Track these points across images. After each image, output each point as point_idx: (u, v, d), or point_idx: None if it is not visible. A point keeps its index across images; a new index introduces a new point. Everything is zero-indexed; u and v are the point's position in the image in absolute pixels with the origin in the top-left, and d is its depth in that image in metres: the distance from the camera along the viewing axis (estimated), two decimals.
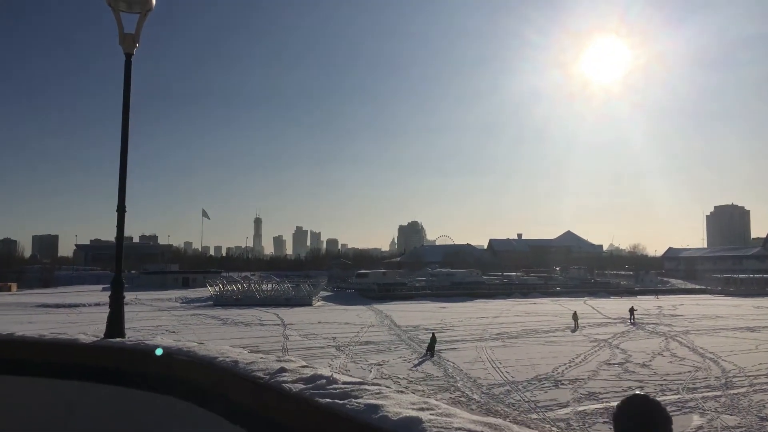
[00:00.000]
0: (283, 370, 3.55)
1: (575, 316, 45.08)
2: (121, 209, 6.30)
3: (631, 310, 49.30)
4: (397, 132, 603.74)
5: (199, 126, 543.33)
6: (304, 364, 3.76)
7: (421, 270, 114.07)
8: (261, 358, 3.96)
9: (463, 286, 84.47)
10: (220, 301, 66.87)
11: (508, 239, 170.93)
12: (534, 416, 19.06)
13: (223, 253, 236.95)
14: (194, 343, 4.99)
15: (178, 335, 37.05)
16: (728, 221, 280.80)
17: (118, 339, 5.69)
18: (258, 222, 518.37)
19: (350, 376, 3.45)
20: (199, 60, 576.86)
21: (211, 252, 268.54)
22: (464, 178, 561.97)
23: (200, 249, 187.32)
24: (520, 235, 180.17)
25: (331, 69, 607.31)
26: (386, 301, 69.88)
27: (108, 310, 6.16)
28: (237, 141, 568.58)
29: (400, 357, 30.24)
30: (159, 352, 4.73)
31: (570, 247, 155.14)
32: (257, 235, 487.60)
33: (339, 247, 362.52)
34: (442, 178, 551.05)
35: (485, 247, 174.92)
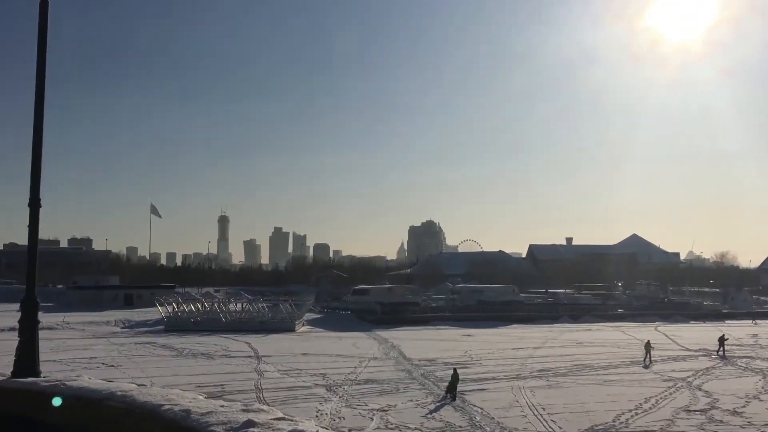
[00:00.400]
0: (250, 423, 3.46)
1: (648, 346, 44.96)
2: (35, 203, 6.12)
3: (721, 340, 49.18)
4: (408, 108, 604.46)
5: (148, 100, 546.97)
6: (279, 415, 3.66)
7: (440, 285, 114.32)
8: (221, 406, 3.87)
9: (494, 307, 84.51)
10: (174, 326, 67.00)
11: (553, 245, 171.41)
12: None
13: (178, 261, 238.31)
14: (133, 385, 4.90)
15: (118, 371, 37.16)
16: None
17: (30, 378, 5.60)
18: (224, 221, 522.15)
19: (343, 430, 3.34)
20: (150, 13, 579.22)
21: (163, 260, 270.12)
22: (495, 166, 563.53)
23: (148, 257, 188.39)
24: (569, 240, 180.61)
25: (321, 23, 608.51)
26: (392, 327, 69.93)
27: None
28: (197, 120, 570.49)
29: (411, 400, 30.28)
30: (57, 402, 4.62)
31: (636, 255, 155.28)
32: (223, 238, 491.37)
33: (331, 254, 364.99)
34: (466, 167, 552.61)
35: (524, 256, 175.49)
